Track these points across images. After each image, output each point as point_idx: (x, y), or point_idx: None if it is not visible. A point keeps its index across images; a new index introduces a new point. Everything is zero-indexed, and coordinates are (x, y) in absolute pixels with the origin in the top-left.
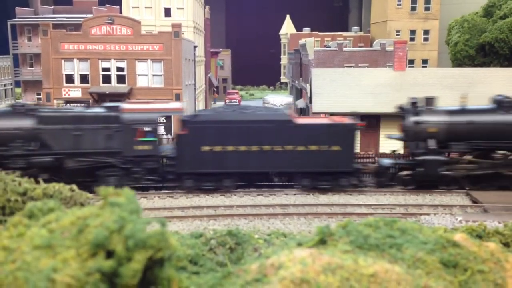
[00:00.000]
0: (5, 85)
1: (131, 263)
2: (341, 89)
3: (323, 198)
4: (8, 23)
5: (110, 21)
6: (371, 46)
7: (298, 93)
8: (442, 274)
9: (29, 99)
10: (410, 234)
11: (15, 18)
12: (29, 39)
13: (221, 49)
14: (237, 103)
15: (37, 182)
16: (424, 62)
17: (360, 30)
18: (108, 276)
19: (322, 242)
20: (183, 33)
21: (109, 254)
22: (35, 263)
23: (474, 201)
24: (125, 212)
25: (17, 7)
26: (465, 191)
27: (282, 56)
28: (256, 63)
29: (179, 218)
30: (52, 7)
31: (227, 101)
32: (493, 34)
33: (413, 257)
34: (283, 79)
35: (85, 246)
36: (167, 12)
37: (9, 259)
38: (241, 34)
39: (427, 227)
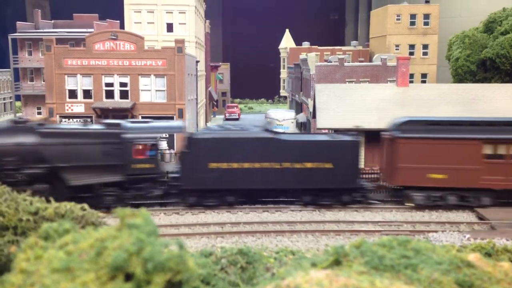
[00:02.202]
0: (4, 99)
1: (150, 286)
2: (345, 105)
3: (329, 215)
4: (9, 37)
5: (113, 37)
6: (370, 60)
7: (298, 107)
8: None
9: (29, 113)
10: (424, 254)
11: (13, 32)
12: (30, 54)
13: (220, 63)
14: (237, 116)
15: (48, 201)
16: (424, 76)
17: (359, 44)
18: None
19: (336, 262)
20: (185, 48)
21: (128, 277)
22: (55, 286)
23: (481, 218)
24: (143, 234)
25: (18, 22)
26: (471, 207)
27: (281, 70)
28: (254, 76)
29: (186, 235)
30: (52, 21)
31: (226, 114)
32: (494, 50)
33: (429, 278)
34: (283, 92)
35: (104, 269)
36: (169, 28)
37: (27, 282)
38: (238, 48)
39: (440, 247)
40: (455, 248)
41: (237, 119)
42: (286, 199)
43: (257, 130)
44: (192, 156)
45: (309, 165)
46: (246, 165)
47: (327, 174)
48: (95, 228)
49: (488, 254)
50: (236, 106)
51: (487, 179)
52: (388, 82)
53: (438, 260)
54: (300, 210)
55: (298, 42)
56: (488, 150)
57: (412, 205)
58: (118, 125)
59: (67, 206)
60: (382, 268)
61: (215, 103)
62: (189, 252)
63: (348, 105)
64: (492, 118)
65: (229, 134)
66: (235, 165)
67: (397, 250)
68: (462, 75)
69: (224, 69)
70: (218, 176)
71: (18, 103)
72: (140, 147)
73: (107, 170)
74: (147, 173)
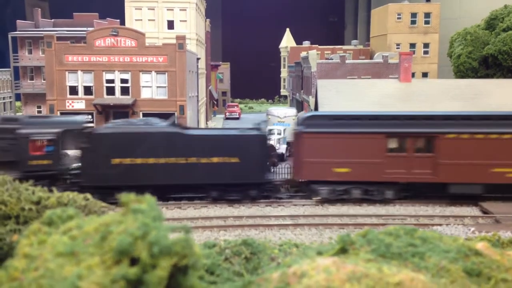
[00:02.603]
0: (4, 98)
1: (156, 270)
2: (347, 100)
3: (332, 209)
4: (9, 35)
5: (114, 33)
6: (371, 59)
7: (299, 106)
8: (466, 283)
9: (29, 112)
10: (431, 243)
11: (12, 31)
12: (30, 52)
13: (221, 62)
14: (237, 116)
15: (51, 191)
16: (424, 75)
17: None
18: (133, 284)
19: (343, 250)
20: (186, 45)
21: (134, 261)
22: (59, 270)
23: (485, 211)
24: (148, 218)
25: (18, 20)
26: (475, 201)
27: (282, 69)
28: (255, 76)
29: None
30: (53, 20)
31: (227, 113)
32: (497, 46)
33: (437, 266)
34: (283, 92)
35: (109, 253)
36: (170, 25)
37: (31, 267)
38: (238, 48)
39: (447, 236)
40: (461, 238)
41: (237, 119)
42: (194, 195)
43: (163, 125)
44: (93, 151)
45: (215, 159)
46: (151, 160)
47: (233, 169)
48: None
49: (493, 246)
50: (237, 106)
51: (390, 172)
52: (391, 79)
53: (445, 248)
54: (303, 205)
55: (298, 43)
56: (391, 144)
57: (319, 198)
58: (15, 120)
59: (69, 195)
60: (389, 256)
61: (215, 102)
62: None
63: (351, 100)
64: (396, 112)
65: (132, 129)
66: (139, 161)
67: (403, 239)
68: (464, 72)
69: (224, 68)
70: (121, 172)
71: (18, 103)
72: (37, 142)
73: (2, 167)
74: (45, 170)
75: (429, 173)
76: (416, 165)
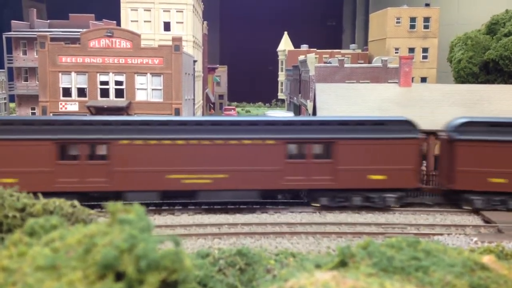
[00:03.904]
0: None
1: (143, 286)
2: (347, 105)
3: (330, 217)
4: (4, 36)
5: (109, 34)
6: (369, 63)
7: (297, 110)
8: None
9: (23, 113)
10: (436, 256)
11: (8, 32)
12: (24, 53)
13: (218, 65)
14: None
15: (36, 197)
16: (423, 80)
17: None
18: None
19: (342, 264)
20: (183, 47)
21: (119, 276)
22: (38, 285)
23: (487, 221)
24: (135, 229)
25: (12, 21)
26: (476, 210)
27: (279, 72)
28: (252, 80)
29: (182, 236)
30: (48, 21)
31: None
32: (498, 52)
33: (442, 281)
34: (281, 95)
35: (92, 267)
36: (167, 27)
37: (9, 281)
38: (236, 51)
39: (451, 248)
40: (467, 250)
41: None
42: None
43: None
44: None
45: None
46: None
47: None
48: (85, 225)
49: (497, 258)
50: (233, 109)
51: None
52: (391, 83)
53: (450, 262)
54: (300, 212)
55: (296, 47)
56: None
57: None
58: None
59: (56, 202)
60: (392, 270)
61: (212, 106)
62: (189, 257)
63: (350, 105)
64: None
65: None
66: None
67: (406, 251)
68: (464, 77)
69: (222, 71)
70: None
71: (12, 104)
72: None
73: None
74: None
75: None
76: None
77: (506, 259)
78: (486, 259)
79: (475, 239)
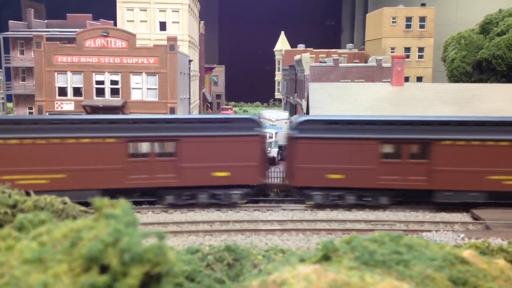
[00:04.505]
0: None
1: (127, 278)
2: (339, 104)
3: (321, 214)
4: (1, 36)
5: (104, 34)
6: (365, 62)
7: (293, 109)
8: None
9: (20, 113)
10: (417, 250)
11: (6, 31)
12: (22, 53)
13: (215, 65)
14: None
15: (28, 194)
16: (419, 79)
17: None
18: None
19: (325, 258)
20: (178, 47)
21: (104, 269)
22: (25, 278)
23: (476, 218)
24: (120, 224)
25: (10, 21)
26: (466, 208)
27: (276, 72)
28: (250, 79)
29: (174, 233)
30: (46, 21)
31: None
32: (491, 51)
33: (422, 274)
34: (277, 95)
35: (78, 260)
36: (162, 26)
37: None
38: (234, 50)
39: (434, 243)
40: (449, 245)
41: None
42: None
43: None
44: None
45: None
46: None
47: None
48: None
49: (483, 253)
50: (231, 109)
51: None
52: (385, 82)
53: (431, 256)
54: (292, 210)
55: (294, 47)
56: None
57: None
58: None
59: (47, 199)
60: (373, 263)
61: (209, 105)
62: (174, 249)
63: (342, 104)
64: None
65: None
66: None
67: (388, 246)
68: (457, 76)
69: (219, 71)
70: None
71: (9, 104)
72: None
73: None
74: None
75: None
76: None
77: (492, 254)
78: (466, 253)
79: (462, 235)
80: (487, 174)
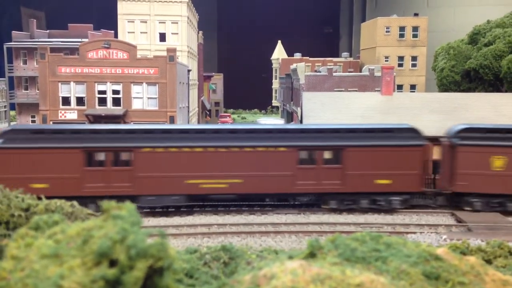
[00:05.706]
0: None
1: (133, 271)
2: (332, 113)
3: (313, 218)
4: (4, 46)
5: (106, 45)
6: (360, 71)
7: (289, 117)
8: (424, 286)
9: (23, 121)
10: (395, 248)
11: (7, 42)
12: (25, 62)
13: (213, 73)
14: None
15: (39, 199)
16: (412, 87)
17: (351, 56)
18: (112, 284)
19: (311, 255)
20: (177, 57)
21: (112, 263)
22: (43, 271)
23: (459, 220)
24: (127, 224)
25: (13, 31)
26: (450, 211)
27: (273, 80)
28: (248, 87)
29: (173, 235)
30: (48, 31)
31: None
32: (478, 61)
33: (397, 269)
34: (275, 103)
35: (90, 255)
36: (162, 37)
37: (18, 268)
38: (233, 59)
39: (411, 242)
40: (425, 244)
41: None
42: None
43: None
44: None
45: None
46: None
47: None
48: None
49: (462, 253)
50: (229, 116)
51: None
52: (376, 92)
53: (407, 253)
54: (286, 213)
55: (292, 55)
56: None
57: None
58: None
59: (57, 203)
60: (354, 260)
61: (208, 113)
62: (174, 248)
63: (335, 113)
64: None
65: None
66: None
67: (369, 244)
68: (447, 85)
69: (218, 79)
70: None
71: (12, 112)
72: None
73: None
74: None
75: None
76: None
77: (471, 254)
78: (440, 251)
79: (444, 236)
80: (186, 179)
